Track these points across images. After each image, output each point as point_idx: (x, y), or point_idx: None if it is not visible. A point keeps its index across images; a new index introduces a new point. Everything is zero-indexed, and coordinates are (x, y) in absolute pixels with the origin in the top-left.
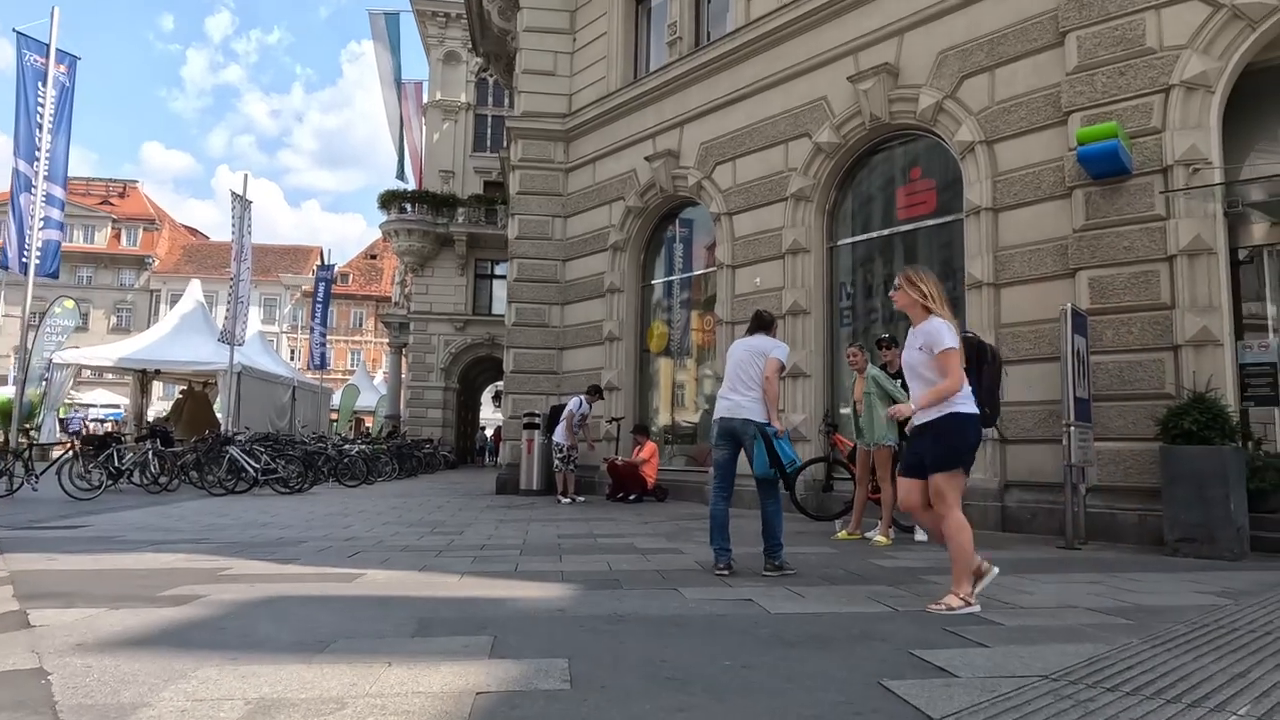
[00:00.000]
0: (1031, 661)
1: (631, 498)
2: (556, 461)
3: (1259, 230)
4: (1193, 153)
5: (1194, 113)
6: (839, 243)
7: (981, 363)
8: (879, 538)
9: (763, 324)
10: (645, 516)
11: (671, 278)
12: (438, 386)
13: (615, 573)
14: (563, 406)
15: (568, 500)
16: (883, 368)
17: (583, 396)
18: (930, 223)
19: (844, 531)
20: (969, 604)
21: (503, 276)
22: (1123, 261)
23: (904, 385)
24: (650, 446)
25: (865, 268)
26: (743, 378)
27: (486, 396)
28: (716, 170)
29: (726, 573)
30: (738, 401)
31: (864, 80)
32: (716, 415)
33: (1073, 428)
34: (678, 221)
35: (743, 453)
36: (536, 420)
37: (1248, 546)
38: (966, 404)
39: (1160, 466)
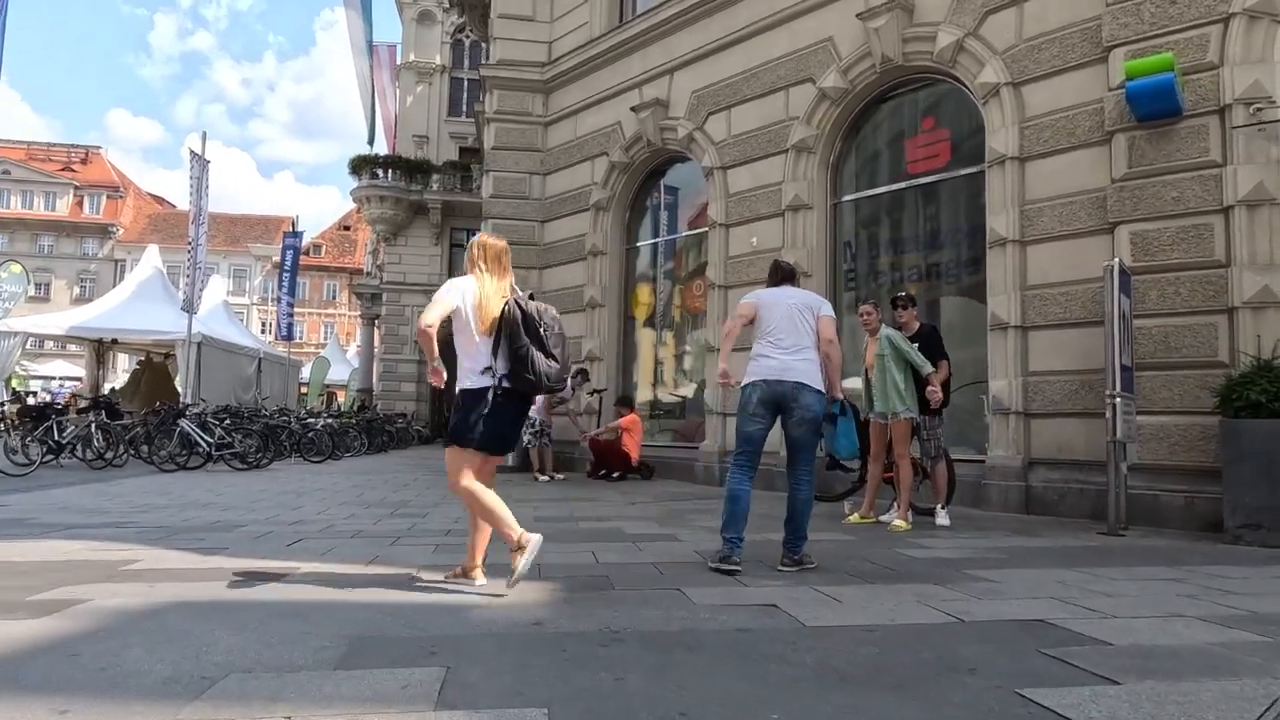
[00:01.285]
0: (1197, 711)
1: (614, 475)
2: (528, 436)
3: None
4: (1255, 90)
5: (1257, 45)
6: (844, 199)
7: (504, 331)
8: (898, 522)
9: (785, 274)
10: (631, 496)
11: (658, 239)
12: (411, 359)
13: (603, 566)
14: None
15: (545, 478)
16: (898, 329)
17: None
18: (942, 177)
19: (856, 515)
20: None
21: None
22: (1170, 214)
23: (922, 350)
24: (632, 419)
25: (872, 226)
26: (793, 334)
27: None
28: (709, 121)
29: (738, 568)
30: (788, 362)
31: (875, 18)
32: (758, 376)
33: (1118, 399)
34: (666, 178)
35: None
36: None
37: None
38: (470, 379)
39: (1221, 443)
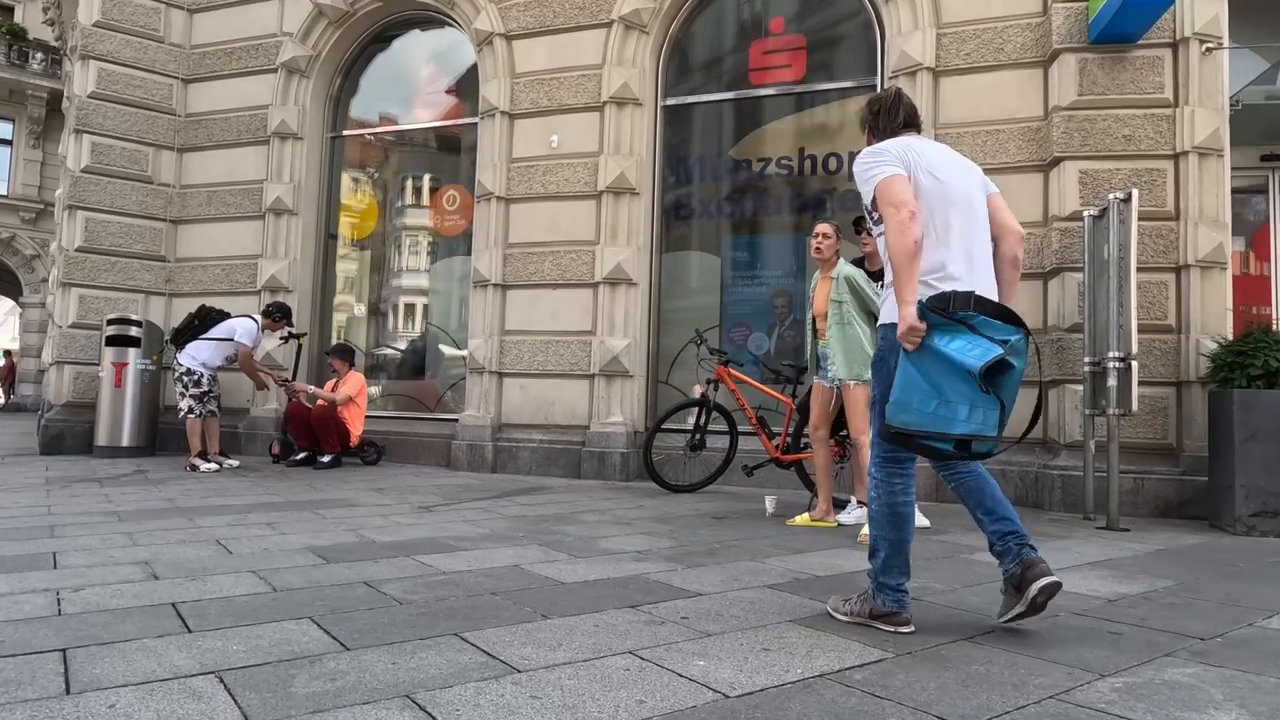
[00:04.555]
0: None
1: (325, 459)
2: (187, 402)
3: None
4: (1213, 26)
5: None
6: (675, 100)
7: None
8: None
9: (910, 114)
10: (397, 494)
11: (396, 127)
12: None
13: None
14: (217, 315)
15: (211, 466)
16: (859, 264)
17: (256, 317)
18: (792, 90)
19: (806, 515)
20: None
21: (5, 141)
22: (1122, 154)
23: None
24: (356, 379)
25: (714, 139)
26: (974, 227)
27: None
28: None
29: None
30: (990, 289)
31: None
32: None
33: (1133, 363)
34: (402, 42)
35: None
36: (132, 331)
37: None
38: None
39: (1237, 416)
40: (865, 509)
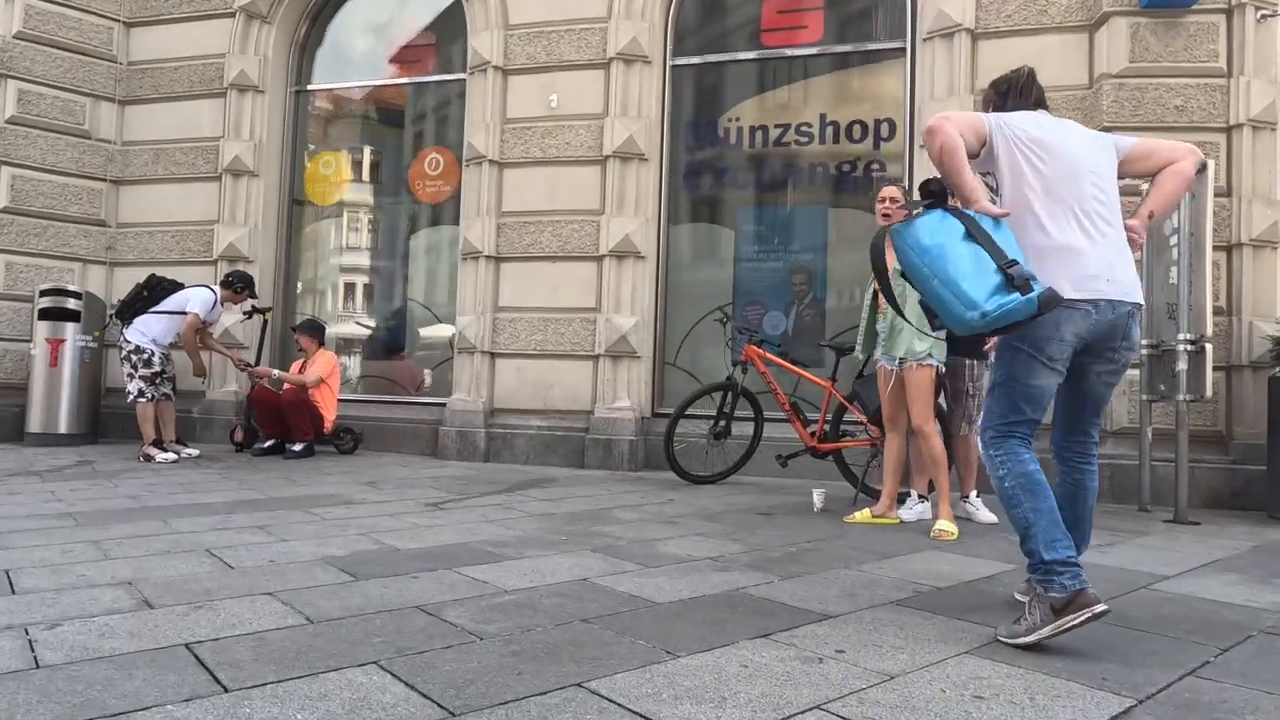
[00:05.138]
0: None
1: (297, 448)
2: (137, 384)
3: None
4: None
5: None
6: (685, 60)
7: None
8: (943, 524)
9: (1039, 94)
10: (386, 486)
11: (369, 82)
12: None
13: None
14: (169, 286)
15: (168, 456)
16: None
17: (215, 288)
18: (813, 52)
19: (867, 511)
20: None
21: None
22: (1173, 126)
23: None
24: (326, 359)
25: (717, 102)
26: (1113, 206)
27: None
28: None
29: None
30: (1117, 263)
31: None
32: (1074, 289)
33: (1208, 346)
34: None
35: None
36: (70, 304)
37: None
38: None
39: None
40: (927, 503)
